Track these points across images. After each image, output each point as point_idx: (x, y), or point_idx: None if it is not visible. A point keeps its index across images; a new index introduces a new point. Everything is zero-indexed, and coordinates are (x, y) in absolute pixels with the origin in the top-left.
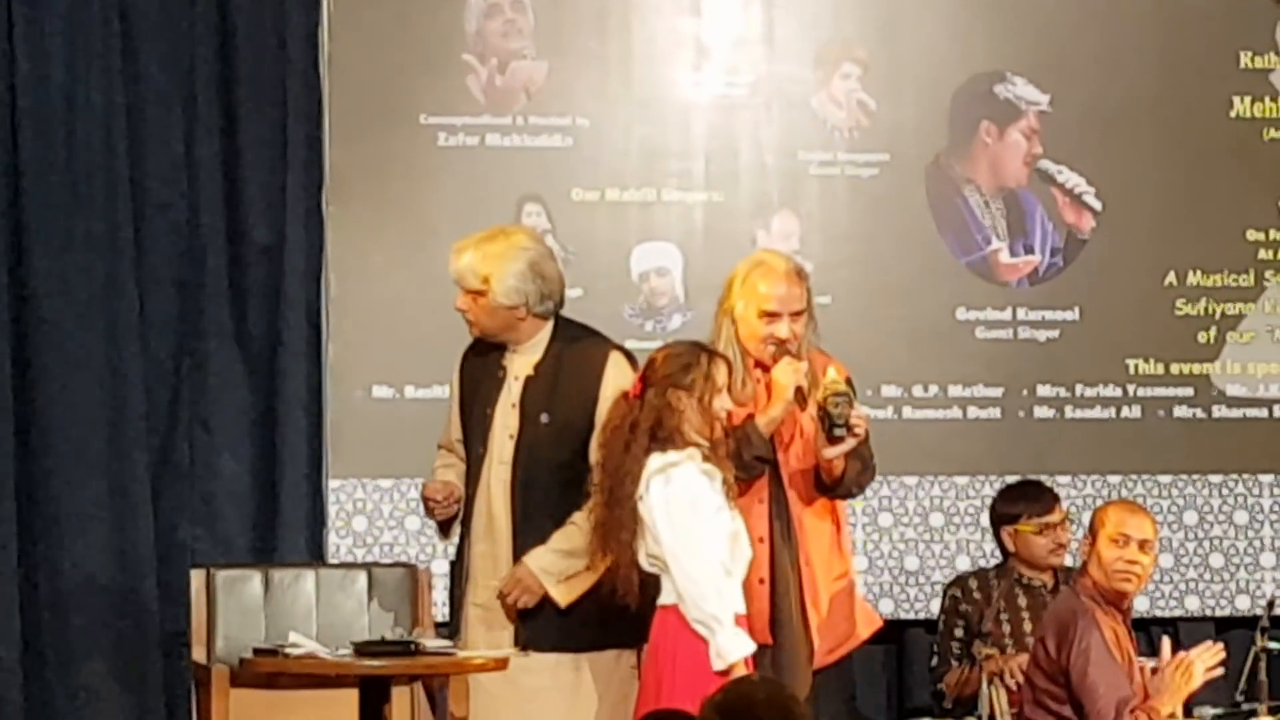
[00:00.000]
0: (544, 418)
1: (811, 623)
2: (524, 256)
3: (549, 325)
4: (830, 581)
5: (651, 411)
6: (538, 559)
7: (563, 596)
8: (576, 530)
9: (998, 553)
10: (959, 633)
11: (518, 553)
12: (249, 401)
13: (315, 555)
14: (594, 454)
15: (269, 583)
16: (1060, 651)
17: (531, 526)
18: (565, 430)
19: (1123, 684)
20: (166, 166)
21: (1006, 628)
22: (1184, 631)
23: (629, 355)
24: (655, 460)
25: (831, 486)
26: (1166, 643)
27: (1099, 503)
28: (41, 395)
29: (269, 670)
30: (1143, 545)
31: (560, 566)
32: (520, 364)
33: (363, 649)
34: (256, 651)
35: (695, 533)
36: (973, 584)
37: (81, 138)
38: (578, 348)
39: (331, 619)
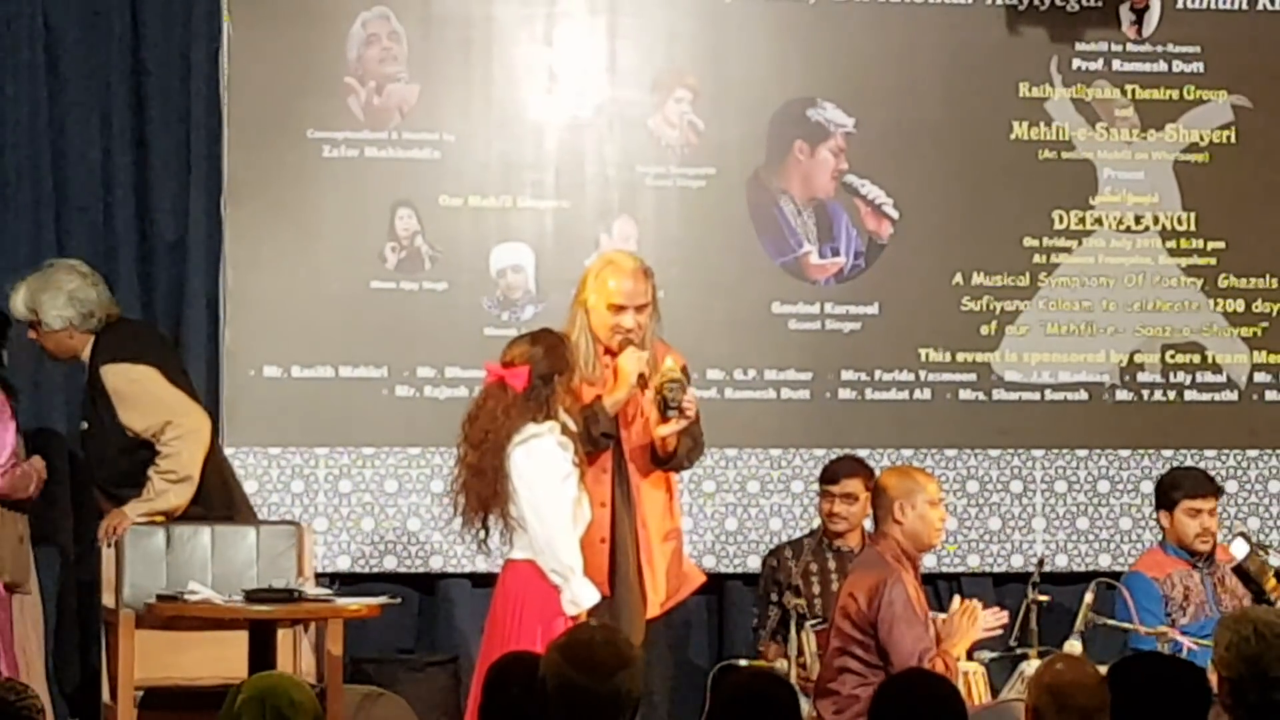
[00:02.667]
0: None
1: (646, 579)
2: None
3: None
4: (662, 542)
5: (540, 397)
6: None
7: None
8: (149, 487)
9: (805, 515)
10: (775, 597)
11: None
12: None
13: None
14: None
15: (170, 537)
16: (870, 606)
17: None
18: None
19: (923, 636)
20: (85, 173)
21: (816, 586)
22: (965, 586)
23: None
24: (527, 429)
25: (665, 460)
26: (956, 599)
27: None
28: None
29: (170, 614)
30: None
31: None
32: None
33: (252, 596)
34: (159, 598)
35: (553, 494)
36: (787, 553)
37: (9, 148)
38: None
39: (225, 569)
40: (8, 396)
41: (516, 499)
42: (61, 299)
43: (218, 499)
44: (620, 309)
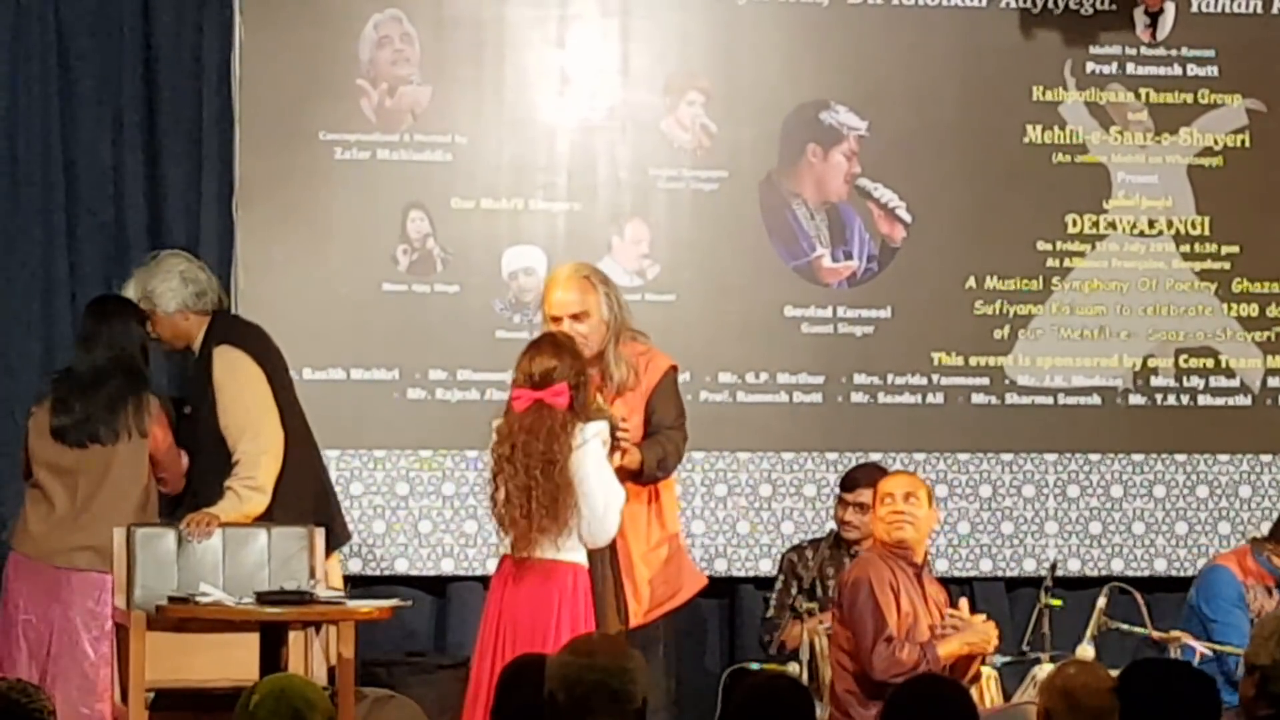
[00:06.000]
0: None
1: (626, 589)
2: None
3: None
4: (648, 551)
5: (582, 402)
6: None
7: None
8: (234, 497)
9: (818, 519)
10: (793, 591)
11: None
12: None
13: None
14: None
15: (182, 539)
16: (845, 606)
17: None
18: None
19: (880, 619)
20: (96, 175)
21: (832, 591)
22: (978, 590)
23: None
24: (586, 429)
25: (636, 475)
26: (964, 602)
27: None
28: None
29: (181, 616)
30: (906, 497)
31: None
32: None
33: (263, 598)
34: (171, 599)
35: (610, 480)
36: (808, 552)
37: (23, 151)
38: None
39: (236, 572)
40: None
41: (584, 496)
42: (175, 280)
43: (317, 505)
44: (556, 320)
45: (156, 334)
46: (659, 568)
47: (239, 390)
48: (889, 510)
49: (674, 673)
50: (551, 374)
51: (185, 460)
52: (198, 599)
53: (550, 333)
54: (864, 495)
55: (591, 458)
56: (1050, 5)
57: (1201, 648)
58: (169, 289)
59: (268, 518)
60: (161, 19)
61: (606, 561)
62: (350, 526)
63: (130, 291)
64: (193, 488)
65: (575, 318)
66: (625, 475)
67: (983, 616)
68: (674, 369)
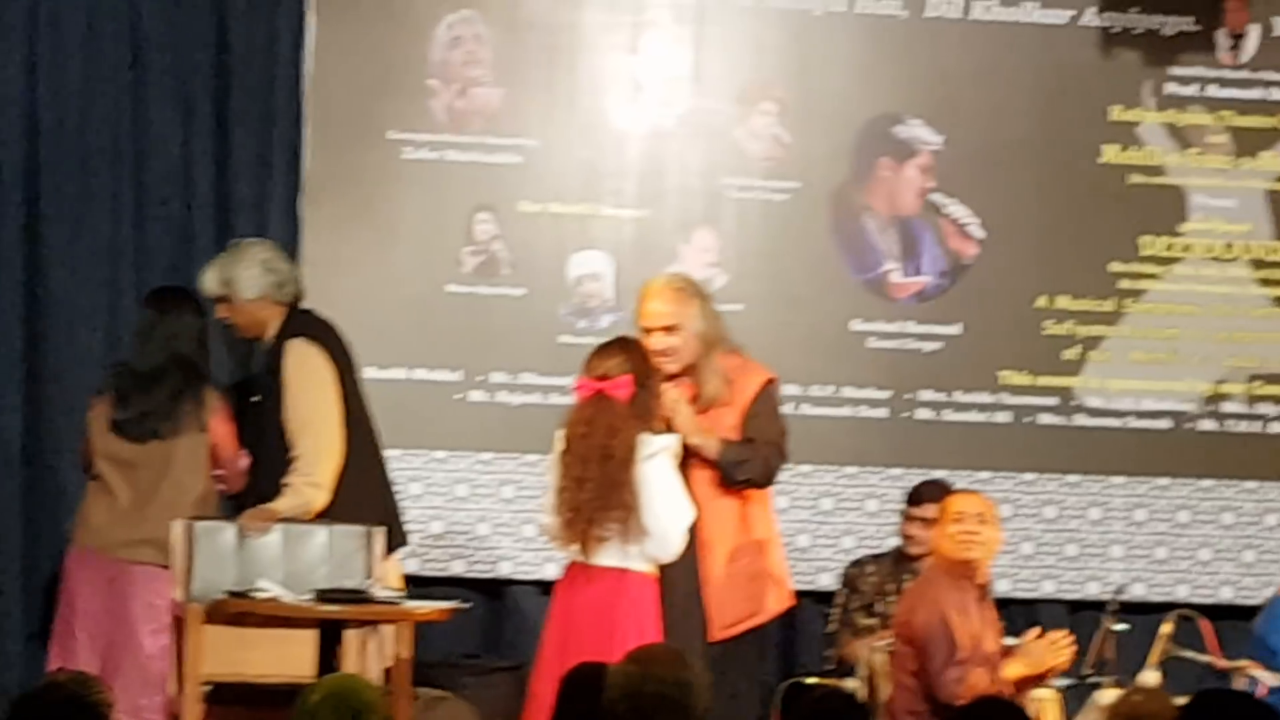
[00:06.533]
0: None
1: (707, 601)
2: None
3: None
4: (731, 566)
5: (644, 403)
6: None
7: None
8: (293, 493)
9: (879, 535)
10: (854, 606)
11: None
12: (229, 372)
13: None
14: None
15: (241, 534)
16: (910, 624)
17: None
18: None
19: (951, 642)
20: (165, 167)
21: (893, 606)
22: (1041, 612)
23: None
24: (654, 442)
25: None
26: (1034, 633)
27: None
28: (51, 363)
29: (239, 610)
30: (978, 517)
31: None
32: None
33: (322, 595)
34: (229, 594)
35: (679, 497)
36: (869, 567)
37: (93, 142)
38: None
39: (295, 568)
40: (222, 398)
41: (648, 509)
42: (257, 268)
43: (379, 508)
44: (647, 330)
45: (233, 321)
46: (742, 583)
47: (306, 386)
48: (961, 529)
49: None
50: (616, 368)
51: (246, 460)
52: (255, 594)
53: (622, 335)
54: (930, 511)
55: (658, 471)
56: (1130, 25)
57: (1268, 679)
58: (251, 276)
59: (329, 516)
60: (235, 13)
61: (691, 572)
62: (408, 527)
63: (211, 277)
64: (255, 477)
65: (667, 330)
66: (704, 463)
67: (1060, 634)
68: (772, 382)
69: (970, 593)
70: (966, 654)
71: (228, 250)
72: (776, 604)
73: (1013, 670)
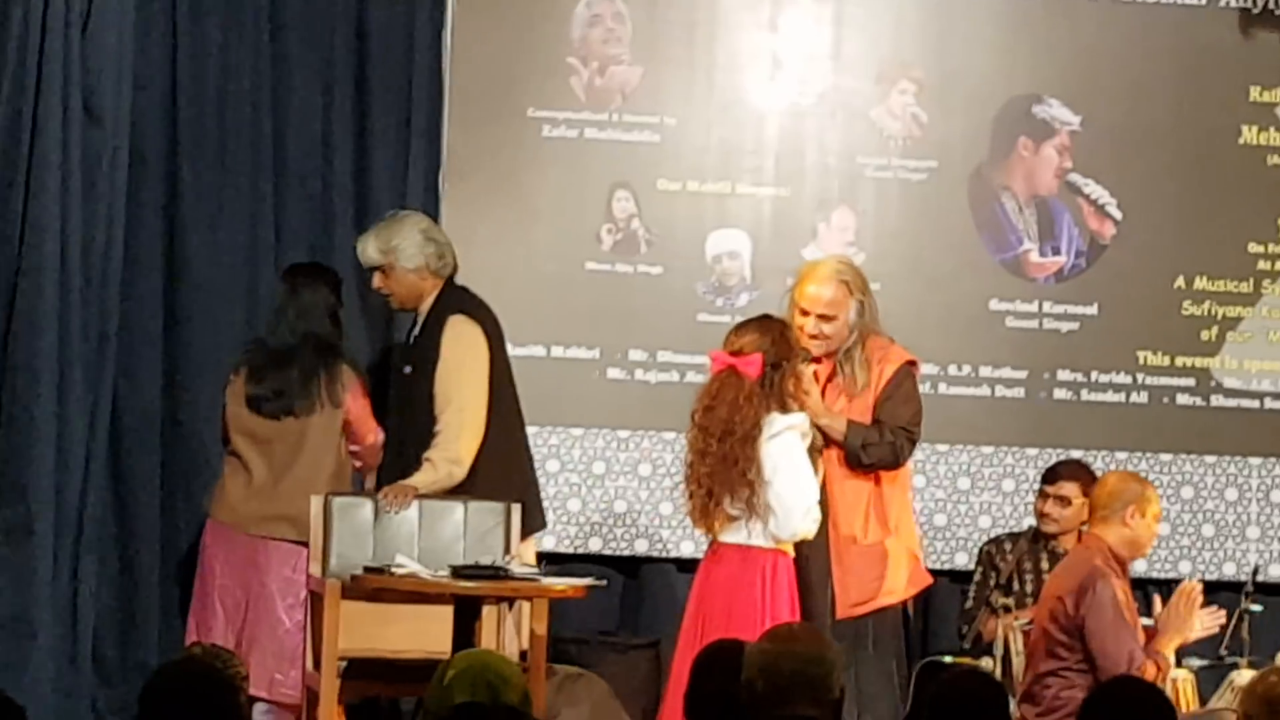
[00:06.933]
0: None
1: (835, 579)
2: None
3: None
4: (861, 545)
5: (773, 383)
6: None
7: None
8: (431, 468)
9: (1015, 514)
10: (991, 584)
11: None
12: (369, 343)
13: None
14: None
15: (379, 510)
16: (1077, 608)
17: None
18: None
19: (1133, 641)
20: (305, 144)
21: (1029, 585)
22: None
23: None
24: (779, 420)
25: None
26: (1157, 599)
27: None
28: (190, 339)
29: (376, 586)
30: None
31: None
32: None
33: (459, 571)
34: (366, 569)
35: (803, 476)
36: (1007, 545)
37: (233, 120)
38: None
39: (432, 544)
40: (357, 373)
41: (770, 487)
42: (419, 237)
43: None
44: (804, 312)
45: (389, 291)
46: (873, 562)
47: (461, 361)
48: (1155, 534)
49: (889, 668)
50: (749, 345)
51: (380, 436)
52: (393, 570)
53: (765, 314)
54: (1065, 489)
55: (782, 450)
56: (1271, 5)
57: None
58: (414, 245)
59: (470, 494)
60: None
61: (823, 551)
62: (545, 503)
63: (372, 246)
64: (401, 449)
65: (823, 318)
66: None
67: (1184, 587)
68: (911, 364)
69: (1122, 578)
70: (1140, 644)
71: (385, 220)
72: (911, 585)
73: (1169, 645)
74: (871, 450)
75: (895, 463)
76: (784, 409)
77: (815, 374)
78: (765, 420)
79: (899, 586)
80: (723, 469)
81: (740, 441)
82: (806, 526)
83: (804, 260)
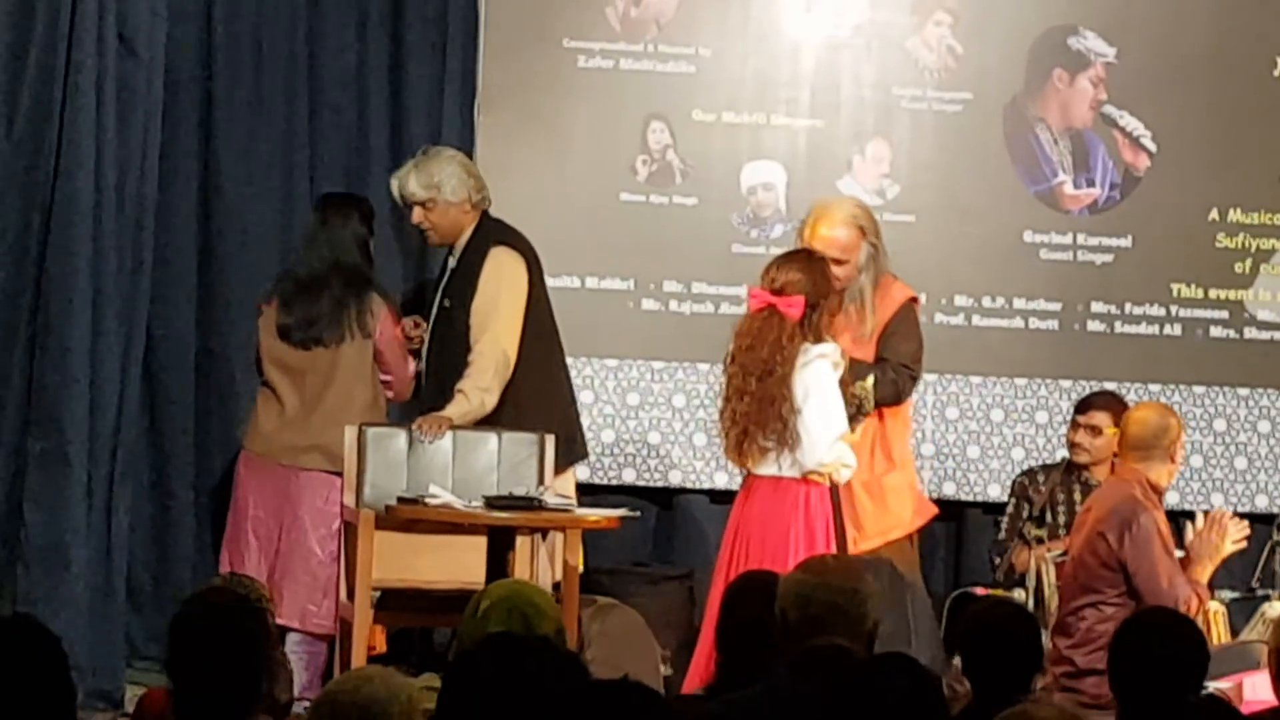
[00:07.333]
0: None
1: (846, 515)
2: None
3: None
4: (869, 480)
5: (813, 322)
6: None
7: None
8: (464, 399)
9: (1049, 446)
10: (1024, 516)
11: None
12: (403, 279)
13: None
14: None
15: (413, 440)
16: (1121, 544)
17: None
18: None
19: (1179, 573)
20: (340, 74)
21: (1062, 516)
22: None
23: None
24: (812, 350)
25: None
26: (1189, 526)
27: None
28: (225, 270)
29: (410, 516)
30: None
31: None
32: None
33: (492, 502)
34: (400, 500)
35: (831, 406)
36: (1040, 477)
37: (268, 48)
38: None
39: (465, 475)
40: (389, 305)
41: (801, 414)
42: (461, 171)
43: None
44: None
45: (430, 225)
46: (881, 497)
47: (499, 291)
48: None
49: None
50: (790, 285)
51: (412, 366)
52: (427, 500)
53: (807, 250)
54: (1097, 418)
55: (813, 377)
56: None
57: None
58: (456, 179)
59: (512, 425)
60: None
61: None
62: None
63: (414, 180)
64: (441, 381)
65: (836, 261)
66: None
67: (1214, 515)
68: (912, 300)
69: (1160, 510)
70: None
71: (422, 156)
72: (917, 516)
73: (1204, 573)
74: (899, 397)
75: (898, 400)
76: (818, 340)
77: None
78: (799, 350)
79: (905, 519)
80: (760, 408)
81: (779, 381)
82: (832, 458)
83: (839, 192)
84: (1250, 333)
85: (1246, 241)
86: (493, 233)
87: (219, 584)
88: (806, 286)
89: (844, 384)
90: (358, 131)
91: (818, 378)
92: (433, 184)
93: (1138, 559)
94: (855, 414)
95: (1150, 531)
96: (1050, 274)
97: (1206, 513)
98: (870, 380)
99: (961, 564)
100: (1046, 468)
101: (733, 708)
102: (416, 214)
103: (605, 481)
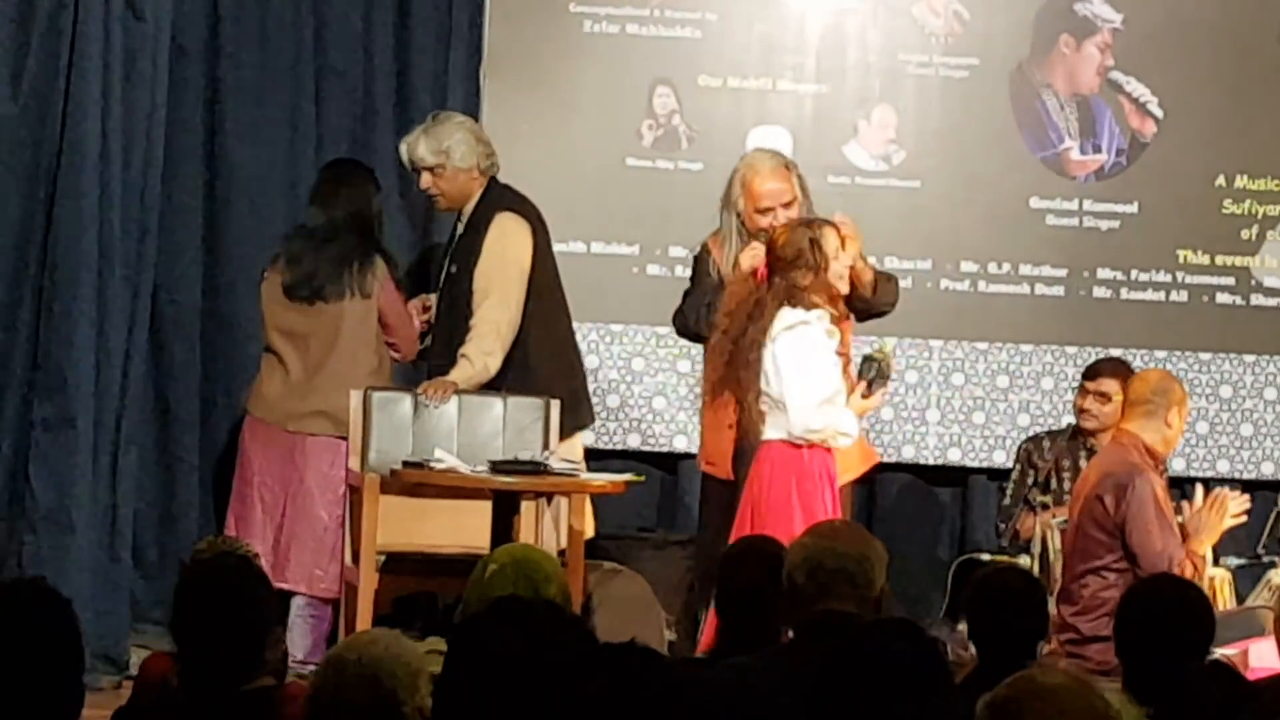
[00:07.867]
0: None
1: None
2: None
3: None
4: None
5: (779, 293)
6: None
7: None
8: (468, 364)
9: (1055, 412)
10: (1029, 482)
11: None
12: (409, 245)
13: None
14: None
15: (418, 404)
16: (1117, 507)
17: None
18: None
19: (1173, 537)
20: (346, 38)
21: (1068, 483)
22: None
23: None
24: (787, 315)
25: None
26: (1200, 491)
27: None
28: (231, 235)
29: (415, 481)
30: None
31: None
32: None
33: (498, 467)
34: (405, 464)
35: (812, 372)
36: (1046, 443)
37: (274, 12)
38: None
39: (471, 439)
40: (390, 265)
41: (783, 380)
42: (470, 137)
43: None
44: (766, 210)
45: (439, 191)
46: None
47: (503, 256)
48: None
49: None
50: (798, 259)
51: (417, 324)
52: (432, 465)
53: (804, 219)
54: (1105, 385)
55: (787, 343)
56: None
57: None
58: (466, 145)
59: (520, 390)
60: None
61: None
62: None
63: (424, 146)
64: (448, 347)
65: (786, 205)
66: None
67: (1217, 493)
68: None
69: (1159, 475)
70: (1179, 542)
71: (430, 122)
72: (863, 461)
73: (1201, 547)
74: (891, 295)
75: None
76: (803, 306)
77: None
78: (775, 316)
79: (853, 463)
80: (735, 373)
81: (751, 345)
82: (821, 424)
83: (844, 158)
84: (1256, 299)
85: (1253, 208)
86: (500, 199)
87: (204, 547)
88: (780, 254)
89: (842, 355)
90: (364, 97)
91: (795, 343)
92: (442, 149)
93: (1132, 520)
94: (874, 378)
95: (1146, 494)
96: (1056, 240)
97: (1207, 490)
98: (890, 345)
99: (967, 530)
100: (1052, 434)
101: (734, 672)
102: (425, 179)
103: (610, 446)
